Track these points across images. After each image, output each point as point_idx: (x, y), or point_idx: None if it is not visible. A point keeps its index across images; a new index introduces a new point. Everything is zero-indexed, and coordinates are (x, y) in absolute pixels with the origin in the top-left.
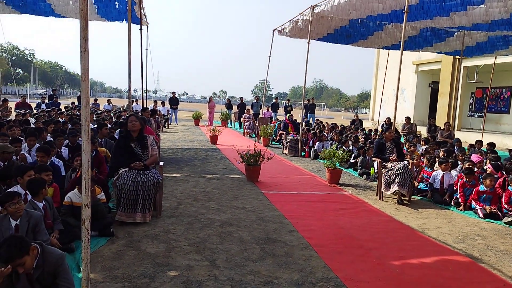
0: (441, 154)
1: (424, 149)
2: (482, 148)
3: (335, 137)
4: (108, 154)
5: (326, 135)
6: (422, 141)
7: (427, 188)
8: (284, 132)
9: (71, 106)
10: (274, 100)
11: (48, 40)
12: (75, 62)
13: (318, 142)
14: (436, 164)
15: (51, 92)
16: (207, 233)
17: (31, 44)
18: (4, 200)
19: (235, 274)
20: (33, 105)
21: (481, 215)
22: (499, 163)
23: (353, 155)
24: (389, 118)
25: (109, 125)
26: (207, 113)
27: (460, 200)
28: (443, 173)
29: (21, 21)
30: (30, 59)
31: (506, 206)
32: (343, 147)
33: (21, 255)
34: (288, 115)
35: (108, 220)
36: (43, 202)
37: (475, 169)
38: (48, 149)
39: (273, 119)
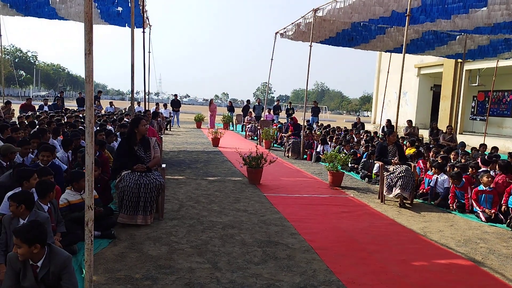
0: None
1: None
2: (485, 152)
3: (334, 139)
4: (110, 156)
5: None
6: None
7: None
8: (285, 135)
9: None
10: (276, 103)
11: (51, 42)
12: (78, 65)
13: (319, 145)
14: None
15: (58, 95)
16: (209, 235)
17: (34, 46)
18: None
19: (237, 276)
20: (36, 107)
21: (483, 218)
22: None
23: (349, 159)
24: (389, 120)
25: (111, 127)
26: (208, 116)
27: (449, 201)
28: (437, 176)
29: (24, 23)
30: (33, 61)
31: None
32: (344, 150)
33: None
34: (289, 118)
35: (110, 221)
36: (49, 205)
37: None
38: (53, 148)
39: (275, 121)
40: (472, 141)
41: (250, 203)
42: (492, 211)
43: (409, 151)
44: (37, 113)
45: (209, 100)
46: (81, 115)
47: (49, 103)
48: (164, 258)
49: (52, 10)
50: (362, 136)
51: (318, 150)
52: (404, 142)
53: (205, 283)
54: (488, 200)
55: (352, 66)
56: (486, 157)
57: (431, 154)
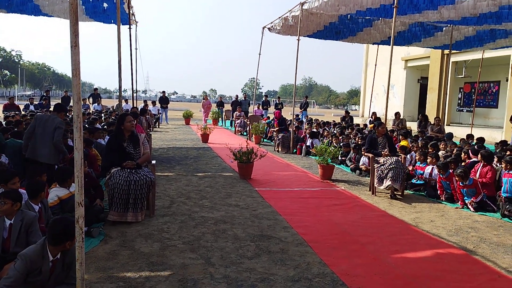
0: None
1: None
2: (472, 142)
3: (325, 133)
4: (97, 154)
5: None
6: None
7: (419, 182)
8: (275, 130)
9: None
10: (264, 98)
11: (35, 41)
12: (63, 63)
13: (309, 139)
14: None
15: (44, 94)
16: (201, 231)
17: (18, 45)
18: None
19: (230, 271)
20: (22, 107)
21: (472, 209)
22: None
23: (340, 152)
24: (375, 113)
25: (99, 126)
26: (202, 113)
27: (438, 192)
28: (432, 167)
29: (7, 22)
30: (17, 60)
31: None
32: (334, 143)
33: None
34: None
35: (96, 208)
36: (39, 205)
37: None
38: None
39: (264, 116)
40: (459, 132)
41: (242, 197)
42: (472, 199)
43: (403, 143)
44: (23, 113)
45: (200, 96)
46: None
47: (35, 103)
48: (156, 255)
49: (36, 7)
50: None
51: (308, 144)
52: (394, 134)
53: (198, 279)
54: (470, 194)
55: (339, 60)
56: (476, 146)
57: (418, 145)
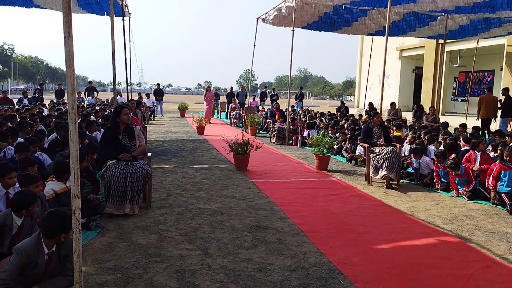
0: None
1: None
2: (467, 131)
3: (321, 125)
4: None
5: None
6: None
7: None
8: (271, 121)
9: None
10: (263, 90)
11: (28, 34)
12: (57, 56)
13: (306, 130)
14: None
15: (38, 87)
16: (198, 222)
17: (10, 39)
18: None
19: (228, 262)
20: (15, 101)
21: (466, 198)
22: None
23: (336, 141)
24: (371, 103)
25: (93, 118)
26: (204, 106)
27: (435, 180)
28: (419, 161)
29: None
30: (9, 54)
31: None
32: (329, 134)
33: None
34: (274, 103)
35: (94, 203)
36: None
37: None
38: (26, 146)
39: (261, 108)
40: (454, 121)
41: (238, 189)
42: (464, 188)
43: (396, 133)
44: (17, 107)
45: (205, 87)
46: (62, 108)
47: (29, 96)
48: (153, 247)
49: None
50: (347, 121)
51: (304, 135)
52: (390, 125)
53: (196, 270)
54: (462, 183)
55: (334, 51)
56: (468, 135)
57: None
